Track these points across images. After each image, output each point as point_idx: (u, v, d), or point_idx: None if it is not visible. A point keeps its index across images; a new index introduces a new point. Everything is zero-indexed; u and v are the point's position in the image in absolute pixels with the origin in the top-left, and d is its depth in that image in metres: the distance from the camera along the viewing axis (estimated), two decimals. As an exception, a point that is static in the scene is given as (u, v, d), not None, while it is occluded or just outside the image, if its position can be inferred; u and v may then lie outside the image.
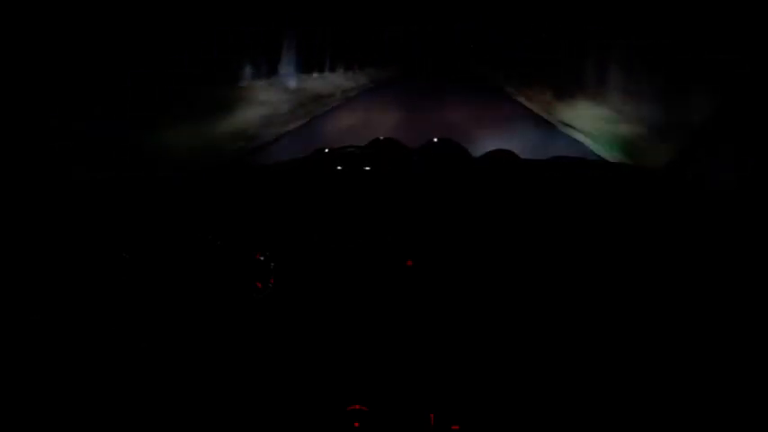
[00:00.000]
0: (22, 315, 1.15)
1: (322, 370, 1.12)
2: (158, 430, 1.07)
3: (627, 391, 1.06)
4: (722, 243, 1.21)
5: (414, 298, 1.19)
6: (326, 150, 1.67)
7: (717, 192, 1.53)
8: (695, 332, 1.12)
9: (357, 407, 1.02)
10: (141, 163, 4.25)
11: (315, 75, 11.20)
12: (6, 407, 1.05)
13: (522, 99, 10.70)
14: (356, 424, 1.00)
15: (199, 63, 6.59)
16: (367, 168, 1.53)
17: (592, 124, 7.41)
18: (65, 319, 1.19)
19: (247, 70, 8.62)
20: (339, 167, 1.56)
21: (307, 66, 10.88)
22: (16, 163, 3.17)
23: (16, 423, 1.04)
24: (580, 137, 7.08)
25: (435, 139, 1.67)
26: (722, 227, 1.27)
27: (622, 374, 1.08)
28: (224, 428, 1.06)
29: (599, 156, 5.99)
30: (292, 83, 9.78)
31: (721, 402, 1.02)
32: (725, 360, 1.07)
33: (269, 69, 9.26)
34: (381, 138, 1.69)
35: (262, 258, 1.23)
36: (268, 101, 8.32)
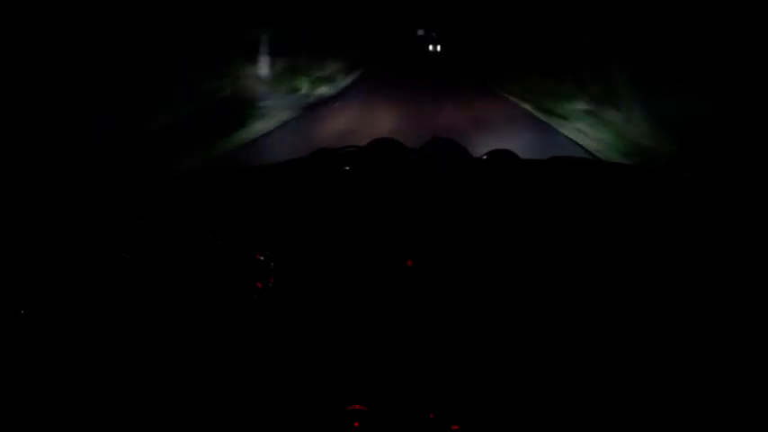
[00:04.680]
0: (23, 313, 1.15)
1: (322, 370, 1.12)
2: (158, 430, 1.07)
3: (626, 390, 1.06)
4: (722, 243, 1.21)
5: (414, 298, 1.20)
6: (326, 150, 1.67)
7: (717, 192, 1.53)
8: (695, 331, 1.12)
9: (357, 407, 1.02)
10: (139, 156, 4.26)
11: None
12: (6, 406, 1.05)
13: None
14: (356, 424, 1.00)
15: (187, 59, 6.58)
16: (367, 168, 1.53)
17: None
18: (65, 317, 1.19)
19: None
20: (339, 167, 1.56)
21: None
22: (17, 165, 3.18)
23: (16, 423, 1.04)
24: (580, 137, 7.08)
25: (435, 139, 1.67)
26: (722, 227, 1.27)
27: (621, 373, 1.08)
28: (224, 428, 1.06)
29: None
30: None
31: (720, 400, 1.02)
32: (725, 358, 1.07)
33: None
34: (381, 138, 1.68)
35: (262, 258, 1.23)
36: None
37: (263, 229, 1.28)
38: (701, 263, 1.17)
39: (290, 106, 8.99)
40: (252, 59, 9.21)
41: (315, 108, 9.52)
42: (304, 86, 11.03)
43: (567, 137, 7.26)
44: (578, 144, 6.73)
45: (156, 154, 4.72)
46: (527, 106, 9.93)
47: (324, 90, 11.62)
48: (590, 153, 6.19)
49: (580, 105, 8.37)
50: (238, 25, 7.93)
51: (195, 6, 6.42)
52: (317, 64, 12.67)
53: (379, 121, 8.12)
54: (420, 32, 25.44)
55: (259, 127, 7.35)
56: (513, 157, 1.61)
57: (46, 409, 1.07)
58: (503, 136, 6.81)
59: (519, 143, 5.91)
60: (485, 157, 1.61)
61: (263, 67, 9.70)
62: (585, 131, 7.26)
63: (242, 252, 1.23)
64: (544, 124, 8.33)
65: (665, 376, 1.05)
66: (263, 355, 1.16)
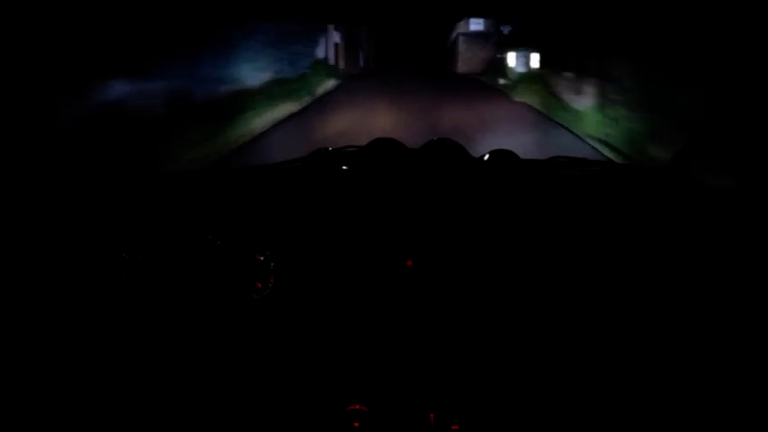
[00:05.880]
0: (23, 313, 1.15)
1: (322, 370, 1.12)
2: (158, 430, 1.07)
3: (626, 389, 1.06)
4: (722, 242, 1.21)
5: (414, 298, 1.20)
6: (326, 150, 1.67)
7: (717, 192, 1.53)
8: (695, 330, 1.12)
9: (357, 407, 1.02)
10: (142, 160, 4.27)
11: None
12: (6, 406, 1.05)
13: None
14: (356, 424, 1.00)
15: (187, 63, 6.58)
16: (367, 168, 1.53)
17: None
18: (65, 317, 1.19)
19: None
20: (339, 167, 1.56)
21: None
22: (17, 165, 3.18)
23: (16, 422, 1.04)
24: (580, 137, 7.08)
25: (435, 139, 1.67)
26: (722, 227, 1.27)
27: (621, 373, 1.08)
28: (224, 428, 1.06)
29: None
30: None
31: (720, 400, 1.02)
32: (724, 358, 1.07)
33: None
34: (381, 138, 1.69)
35: (262, 258, 1.23)
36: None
37: (263, 229, 1.28)
38: (702, 263, 1.17)
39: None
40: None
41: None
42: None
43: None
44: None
45: (155, 154, 4.72)
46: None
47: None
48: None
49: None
50: (237, 24, 7.93)
51: (195, 5, 6.42)
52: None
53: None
54: (476, 26, 19.47)
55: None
56: (513, 157, 1.61)
57: (46, 408, 1.07)
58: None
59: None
60: (485, 158, 1.61)
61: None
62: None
63: (242, 252, 1.23)
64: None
65: (665, 376, 1.05)
66: (264, 355, 1.16)
